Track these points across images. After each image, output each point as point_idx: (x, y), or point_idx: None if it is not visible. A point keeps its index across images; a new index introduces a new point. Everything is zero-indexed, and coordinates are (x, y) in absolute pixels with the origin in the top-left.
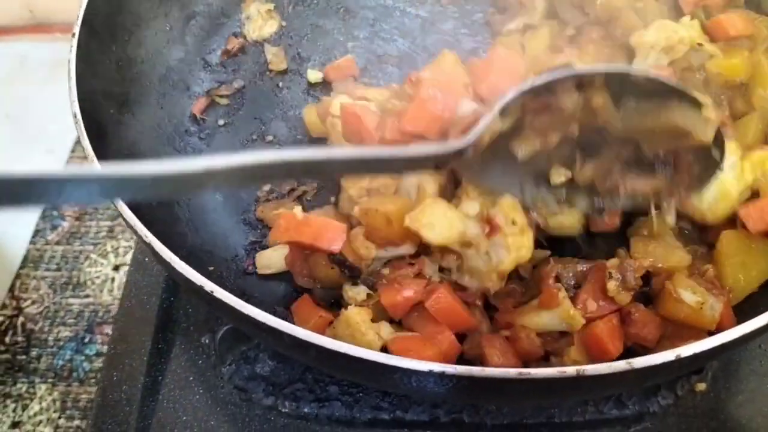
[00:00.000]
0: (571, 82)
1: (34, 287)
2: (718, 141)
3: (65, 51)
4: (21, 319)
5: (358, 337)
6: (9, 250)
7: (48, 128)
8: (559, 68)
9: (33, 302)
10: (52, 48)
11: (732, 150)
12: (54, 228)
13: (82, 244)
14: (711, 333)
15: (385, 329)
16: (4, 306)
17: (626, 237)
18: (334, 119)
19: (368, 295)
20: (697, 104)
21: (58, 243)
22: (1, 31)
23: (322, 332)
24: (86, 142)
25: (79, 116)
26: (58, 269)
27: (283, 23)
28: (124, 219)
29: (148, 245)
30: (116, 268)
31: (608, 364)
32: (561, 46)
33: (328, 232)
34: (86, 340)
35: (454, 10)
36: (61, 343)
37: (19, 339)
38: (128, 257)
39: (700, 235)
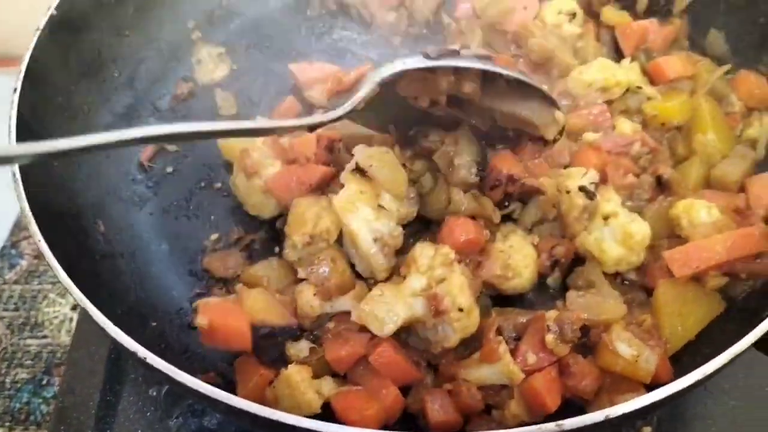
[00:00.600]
0: (450, 69)
1: None
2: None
3: None
4: None
5: (298, 396)
6: None
7: None
8: (443, 55)
9: None
10: (11, 80)
11: (612, 197)
12: (12, 267)
13: (41, 283)
14: (648, 385)
15: (328, 385)
16: None
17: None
18: (261, 182)
19: (312, 349)
20: (553, 107)
21: (16, 282)
22: None
23: (262, 391)
24: (25, 204)
25: (18, 176)
26: (16, 309)
27: (234, 66)
28: (60, 281)
29: (83, 309)
30: (74, 307)
31: (537, 426)
32: None
33: (232, 336)
34: (44, 382)
35: (405, 52)
36: (19, 385)
37: None
38: None
39: (641, 282)
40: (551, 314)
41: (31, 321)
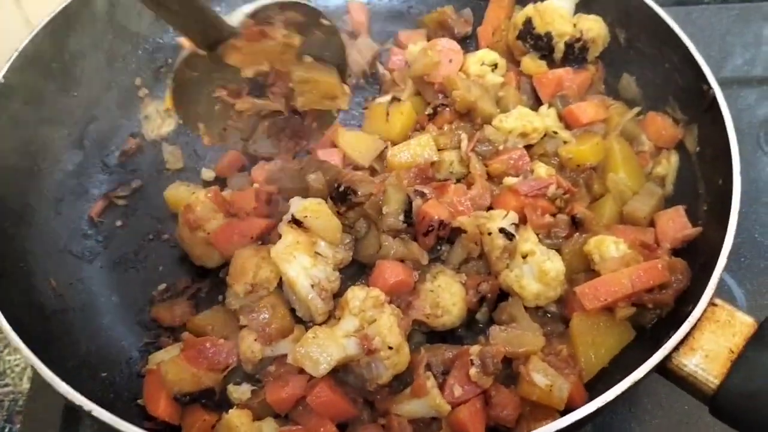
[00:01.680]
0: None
1: None
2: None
3: None
4: None
5: None
6: None
7: None
8: None
9: None
10: None
11: (530, 237)
12: None
13: (1, 332)
14: (563, 411)
15: (269, 426)
16: None
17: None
18: (204, 235)
19: (254, 392)
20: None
21: None
22: None
23: None
24: None
25: None
26: None
27: (180, 121)
28: (9, 340)
29: (32, 366)
30: None
31: None
32: (422, 122)
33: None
34: (6, 429)
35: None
36: None
37: None
38: None
39: (562, 314)
40: (474, 349)
41: None
